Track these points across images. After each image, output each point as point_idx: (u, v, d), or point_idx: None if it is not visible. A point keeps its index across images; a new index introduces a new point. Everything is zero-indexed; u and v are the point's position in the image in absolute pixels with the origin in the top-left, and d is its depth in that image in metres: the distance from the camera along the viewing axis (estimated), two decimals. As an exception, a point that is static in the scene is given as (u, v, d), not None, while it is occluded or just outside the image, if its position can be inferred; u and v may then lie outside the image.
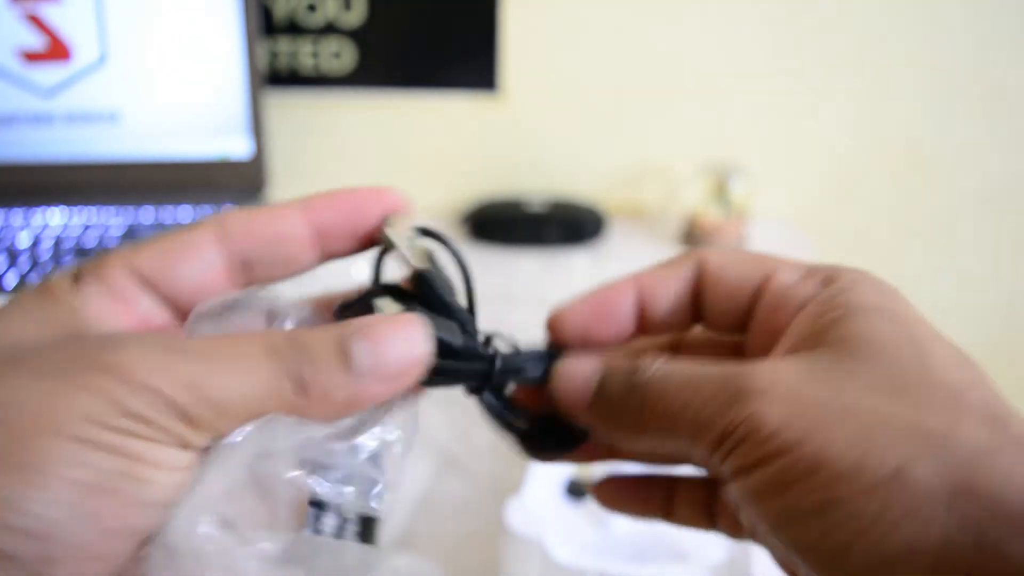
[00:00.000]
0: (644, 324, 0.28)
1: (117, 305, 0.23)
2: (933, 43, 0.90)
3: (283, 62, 0.89)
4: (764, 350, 0.26)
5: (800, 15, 0.88)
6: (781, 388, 0.22)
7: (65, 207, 0.80)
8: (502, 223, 0.89)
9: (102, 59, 0.80)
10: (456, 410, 0.62)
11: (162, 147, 0.83)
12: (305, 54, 0.89)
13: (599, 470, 0.54)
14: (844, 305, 0.24)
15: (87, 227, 0.77)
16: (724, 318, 0.28)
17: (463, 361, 0.26)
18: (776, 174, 0.95)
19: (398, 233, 0.26)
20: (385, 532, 0.54)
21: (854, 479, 0.20)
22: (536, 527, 0.45)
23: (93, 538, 0.19)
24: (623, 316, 0.28)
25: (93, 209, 0.80)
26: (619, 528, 0.48)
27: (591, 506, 0.51)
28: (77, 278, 0.23)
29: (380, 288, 0.26)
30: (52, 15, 0.78)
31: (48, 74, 0.80)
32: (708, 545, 0.45)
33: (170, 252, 0.24)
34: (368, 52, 0.89)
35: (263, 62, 0.87)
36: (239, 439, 0.21)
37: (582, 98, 0.92)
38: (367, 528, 0.24)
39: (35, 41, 0.79)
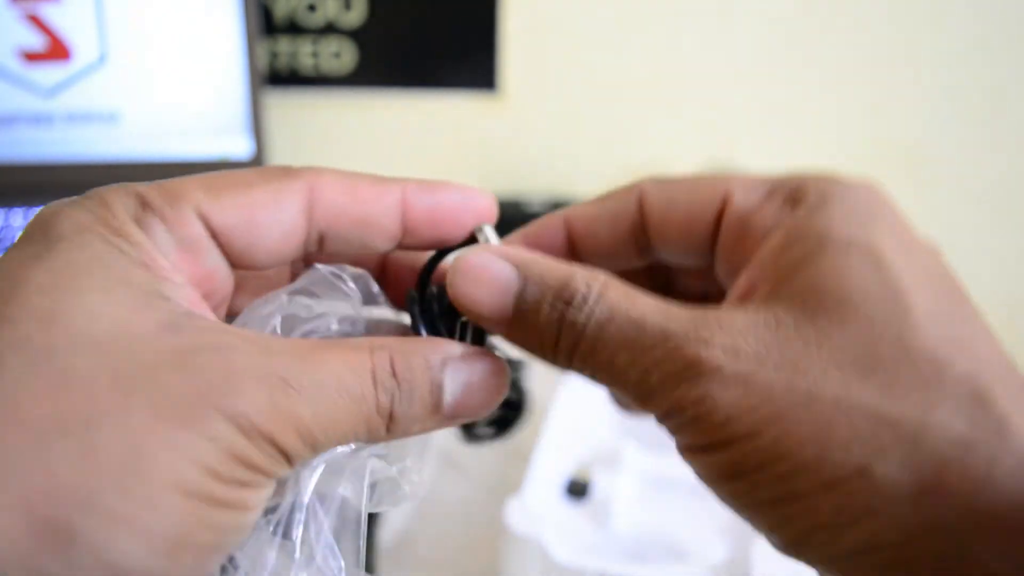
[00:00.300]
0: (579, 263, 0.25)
1: (184, 255, 0.21)
2: (933, 43, 0.90)
3: (283, 62, 0.89)
4: (734, 279, 0.23)
5: (800, 15, 0.88)
6: (739, 367, 0.19)
7: (65, 207, 0.80)
8: (502, 223, 0.89)
9: (102, 59, 0.80)
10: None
11: (162, 147, 0.83)
12: (305, 54, 0.89)
13: (599, 470, 0.54)
14: (814, 236, 0.21)
15: (87, 227, 0.77)
16: (681, 252, 0.25)
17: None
18: (776, 174, 0.95)
19: (487, 240, 0.25)
20: (385, 532, 0.54)
21: (813, 474, 0.18)
22: (536, 527, 0.45)
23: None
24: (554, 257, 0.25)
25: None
26: (619, 528, 0.48)
27: (591, 506, 0.51)
28: (145, 208, 0.20)
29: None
30: (52, 15, 0.78)
31: (48, 74, 0.80)
32: (708, 545, 0.45)
33: (250, 207, 0.22)
34: (368, 52, 0.89)
35: (263, 62, 0.87)
36: (336, 466, 0.21)
37: (582, 98, 0.92)
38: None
39: (35, 41, 0.79)
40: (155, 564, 0.17)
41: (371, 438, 0.21)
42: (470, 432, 0.27)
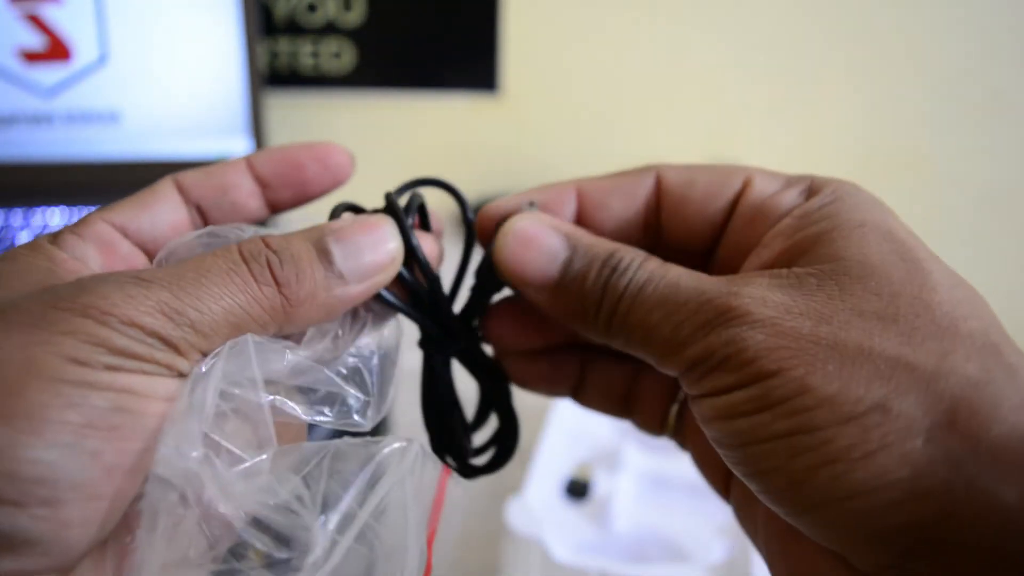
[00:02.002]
0: None
1: (99, 249, 0.24)
2: (933, 44, 0.90)
3: (283, 62, 0.89)
4: (736, 265, 0.25)
5: (800, 15, 0.88)
6: (767, 312, 0.21)
7: (65, 207, 0.80)
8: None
9: (102, 59, 0.80)
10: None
11: (162, 147, 0.83)
12: (305, 54, 0.89)
13: (599, 470, 0.54)
14: (830, 217, 0.23)
15: (87, 227, 0.77)
16: (691, 236, 0.26)
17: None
18: (776, 174, 0.95)
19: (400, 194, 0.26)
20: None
21: (833, 408, 0.19)
22: (536, 527, 0.45)
23: (96, 476, 0.19)
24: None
25: (93, 209, 0.80)
26: (619, 528, 0.48)
27: (591, 506, 0.51)
28: (58, 235, 0.24)
29: (346, 206, 0.27)
30: (52, 15, 0.78)
31: (48, 74, 0.80)
32: (708, 545, 0.45)
33: (138, 204, 0.26)
34: (368, 52, 0.89)
35: (263, 62, 0.87)
36: (207, 368, 0.21)
37: (582, 98, 0.92)
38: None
39: (35, 41, 0.79)
40: (22, 442, 0.18)
41: (274, 315, 0.22)
42: (465, 465, 0.27)
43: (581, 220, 0.27)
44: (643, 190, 0.26)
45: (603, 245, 0.24)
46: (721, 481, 0.28)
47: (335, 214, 0.26)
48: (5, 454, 0.18)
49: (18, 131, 0.81)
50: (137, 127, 0.82)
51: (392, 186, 0.27)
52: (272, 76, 0.90)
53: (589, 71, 0.91)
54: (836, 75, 0.91)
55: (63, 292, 0.20)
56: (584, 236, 0.25)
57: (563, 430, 0.54)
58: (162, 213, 0.26)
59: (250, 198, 0.27)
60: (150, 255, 0.25)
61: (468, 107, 0.92)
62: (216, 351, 0.21)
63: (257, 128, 0.83)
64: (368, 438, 0.22)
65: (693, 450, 0.29)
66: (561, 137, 0.94)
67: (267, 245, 0.22)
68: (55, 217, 0.78)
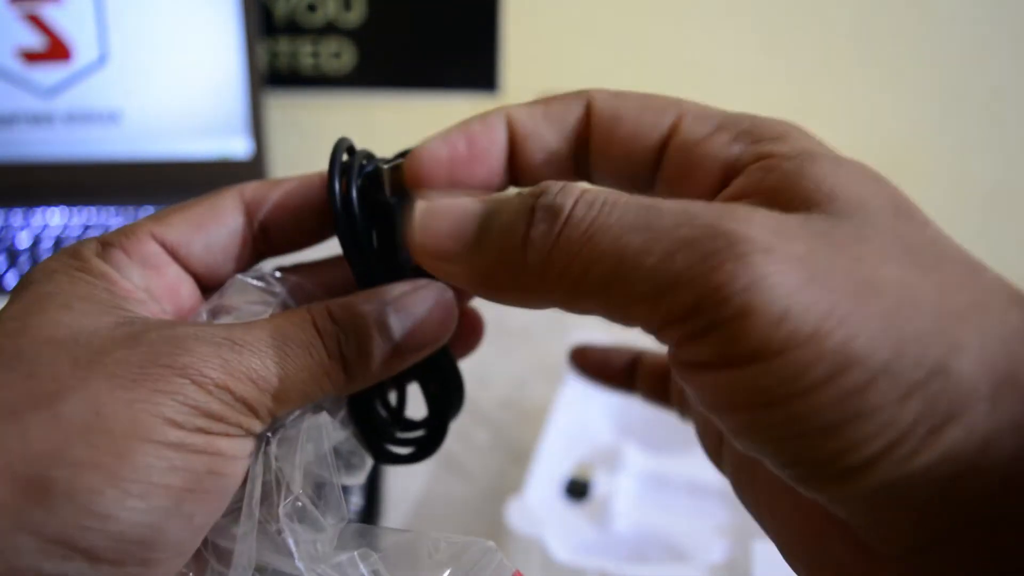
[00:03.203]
0: (517, 172, 0.23)
1: (148, 272, 0.23)
2: (932, 43, 0.90)
3: (283, 62, 0.89)
4: None
5: (799, 15, 0.88)
6: (786, 249, 0.16)
7: (65, 207, 0.80)
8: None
9: (102, 59, 0.80)
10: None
11: (162, 147, 0.83)
12: (305, 54, 0.89)
13: (599, 470, 0.54)
14: (798, 155, 0.19)
15: (87, 227, 0.77)
16: (620, 172, 0.22)
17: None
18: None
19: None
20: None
21: (891, 380, 0.15)
22: (536, 527, 0.45)
23: (188, 537, 0.20)
24: (494, 159, 0.22)
25: (93, 209, 0.80)
26: (619, 528, 0.48)
27: (591, 506, 0.51)
28: (105, 246, 0.23)
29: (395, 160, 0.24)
30: (52, 15, 0.78)
31: (48, 74, 0.80)
32: (708, 545, 0.45)
33: (194, 221, 0.24)
34: (368, 52, 0.89)
35: (263, 62, 0.87)
36: (288, 440, 0.22)
37: (582, 98, 0.92)
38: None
39: (35, 41, 0.79)
40: (129, 505, 0.19)
41: (336, 386, 0.22)
42: (382, 450, 0.26)
43: (512, 152, 0.23)
44: (572, 118, 0.22)
45: (523, 191, 0.19)
46: (715, 449, 0.25)
47: (394, 169, 0.23)
48: (112, 515, 0.18)
49: (18, 131, 0.82)
50: (137, 127, 0.82)
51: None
52: (272, 76, 0.90)
53: (589, 71, 0.91)
54: (836, 75, 0.91)
55: (161, 347, 0.20)
56: (499, 194, 0.20)
57: (563, 430, 0.54)
58: (218, 236, 0.24)
59: (318, 219, 0.26)
60: (198, 278, 0.25)
61: (468, 107, 0.92)
62: (289, 419, 0.23)
63: (257, 128, 0.83)
64: (447, 535, 0.22)
65: (693, 416, 0.26)
66: (561, 137, 0.94)
67: (333, 318, 0.22)
68: (55, 217, 0.78)
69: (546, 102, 0.23)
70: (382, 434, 0.26)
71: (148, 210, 0.79)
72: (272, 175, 0.88)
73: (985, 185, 0.98)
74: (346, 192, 0.23)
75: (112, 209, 0.79)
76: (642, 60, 0.90)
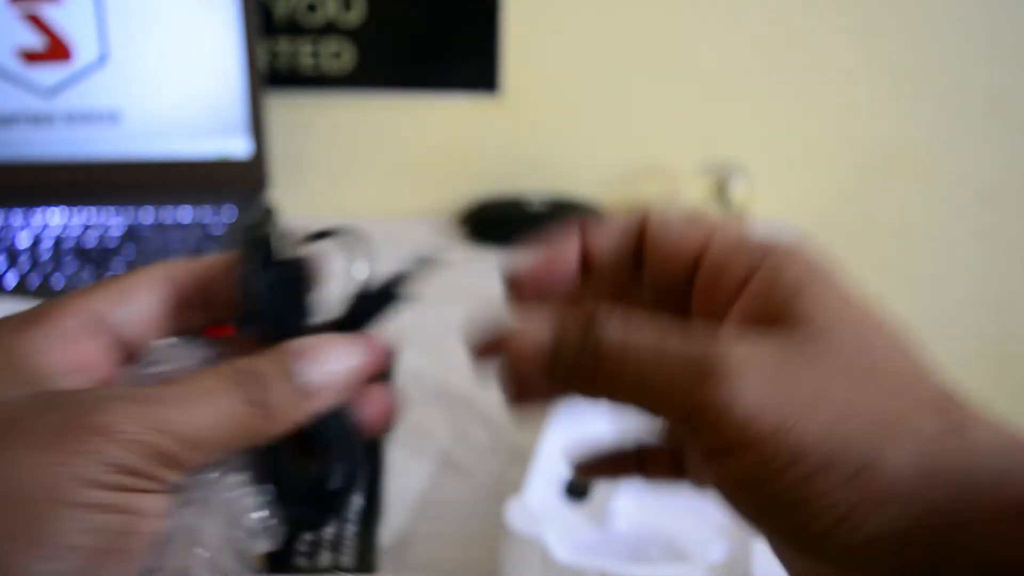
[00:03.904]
0: (588, 276, 0.28)
1: (69, 345, 0.24)
2: (933, 43, 0.90)
3: (283, 62, 0.89)
4: (708, 313, 0.26)
5: (800, 15, 0.88)
6: (754, 370, 0.21)
7: (65, 207, 0.80)
8: (502, 223, 0.89)
9: (102, 59, 0.80)
10: (456, 410, 0.62)
11: (162, 147, 0.83)
12: (305, 54, 0.89)
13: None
14: (796, 281, 0.24)
15: (87, 227, 0.77)
16: (664, 280, 0.27)
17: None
18: (776, 174, 0.95)
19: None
20: (386, 532, 0.54)
21: (832, 471, 0.20)
22: (536, 527, 0.45)
23: None
24: (572, 272, 0.28)
25: (93, 209, 0.80)
26: (619, 528, 0.48)
27: (591, 506, 0.51)
28: (26, 322, 0.24)
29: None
30: (52, 15, 0.78)
31: (48, 74, 0.80)
32: (708, 544, 0.45)
33: (118, 294, 0.26)
34: (368, 52, 0.89)
35: (263, 62, 0.87)
36: (201, 496, 0.23)
37: (582, 98, 0.92)
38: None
39: (35, 41, 0.79)
40: (41, 569, 0.19)
41: (253, 433, 0.24)
42: (285, 513, 0.26)
43: (584, 260, 0.28)
44: (633, 230, 0.28)
45: (578, 311, 0.25)
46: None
47: (305, 240, 0.27)
48: None
49: (18, 131, 0.82)
50: (137, 127, 0.82)
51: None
52: (272, 76, 0.90)
53: (589, 71, 0.91)
54: (836, 75, 0.91)
55: (73, 407, 0.21)
56: (565, 316, 0.25)
57: (563, 430, 0.54)
58: (141, 309, 0.26)
59: (229, 295, 0.27)
60: (122, 349, 0.26)
61: (468, 107, 0.92)
62: (208, 478, 0.24)
63: (257, 128, 0.83)
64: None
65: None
66: (561, 137, 0.94)
67: (244, 368, 0.24)
68: (55, 217, 0.78)
69: (613, 221, 0.28)
70: (286, 496, 0.26)
71: (148, 210, 0.79)
72: (272, 175, 0.88)
73: (985, 185, 0.98)
74: (253, 271, 0.26)
75: (112, 209, 0.79)
76: (642, 60, 0.90)
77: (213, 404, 0.23)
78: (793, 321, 0.23)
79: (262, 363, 0.24)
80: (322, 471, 0.27)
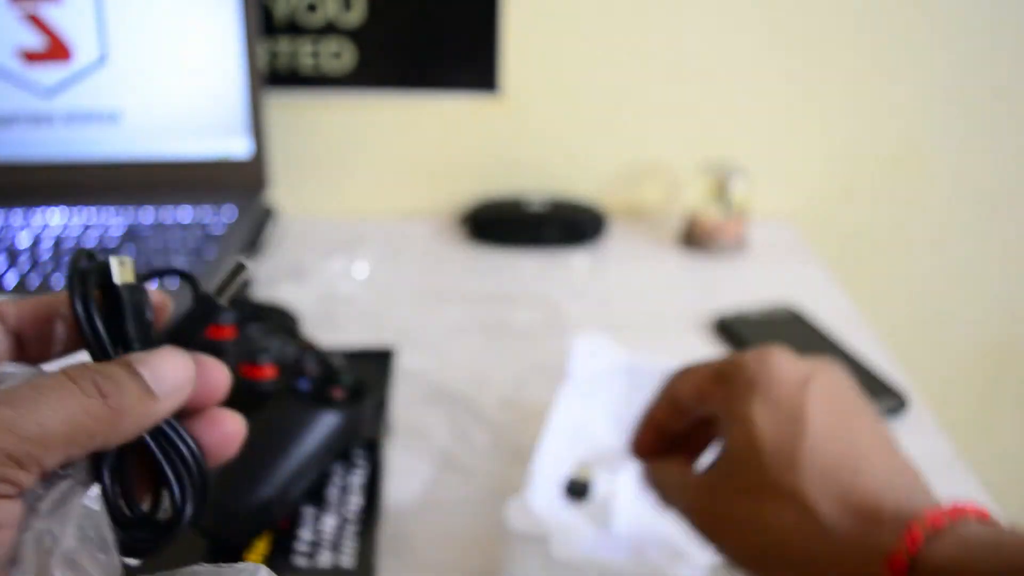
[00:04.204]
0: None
1: None
2: (933, 43, 0.90)
3: (283, 62, 0.89)
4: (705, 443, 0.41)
5: (800, 15, 0.88)
6: (697, 499, 0.37)
7: (65, 207, 0.80)
8: (502, 223, 0.89)
9: (102, 59, 0.80)
10: (456, 410, 0.62)
11: (162, 147, 0.83)
12: (305, 54, 0.89)
13: (599, 470, 0.54)
14: (741, 415, 0.35)
15: (87, 227, 0.77)
16: (683, 425, 0.41)
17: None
18: (776, 174, 0.95)
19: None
20: (385, 532, 0.54)
21: (732, 555, 0.35)
22: (536, 527, 0.45)
23: None
24: (657, 434, 0.42)
25: (93, 209, 0.80)
26: (619, 528, 0.48)
27: (591, 506, 0.51)
28: None
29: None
30: (52, 15, 0.78)
31: (48, 74, 0.80)
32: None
33: None
34: (368, 52, 0.89)
35: (263, 62, 0.87)
36: (62, 495, 0.23)
37: (582, 98, 0.92)
38: None
39: (35, 41, 0.79)
40: None
41: (101, 426, 0.24)
42: (124, 545, 0.26)
43: (658, 433, 0.42)
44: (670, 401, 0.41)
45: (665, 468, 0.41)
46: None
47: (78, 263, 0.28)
48: None
49: (18, 131, 0.82)
50: (137, 127, 0.82)
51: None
52: (272, 76, 0.90)
53: (589, 71, 0.91)
54: (836, 75, 0.91)
55: None
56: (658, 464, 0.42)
57: (563, 430, 0.54)
58: None
59: (69, 329, 0.28)
60: None
61: (468, 107, 0.92)
62: (59, 487, 0.24)
63: (257, 128, 0.83)
64: (221, 564, 0.26)
65: None
66: (561, 137, 0.94)
67: (87, 366, 0.25)
68: (55, 217, 0.78)
69: (661, 398, 0.41)
70: (118, 522, 0.26)
71: (148, 210, 0.79)
72: (272, 175, 0.88)
73: (985, 185, 0.98)
74: (85, 296, 0.27)
75: (112, 209, 0.79)
76: (642, 60, 0.90)
77: (61, 399, 0.23)
78: (725, 450, 0.36)
79: (109, 364, 0.25)
80: (153, 501, 0.27)
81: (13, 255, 0.73)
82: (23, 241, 0.75)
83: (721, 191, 0.87)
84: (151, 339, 0.28)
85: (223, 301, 0.29)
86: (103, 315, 0.27)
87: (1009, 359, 1.08)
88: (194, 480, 0.27)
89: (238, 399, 0.52)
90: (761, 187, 0.92)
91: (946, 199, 0.98)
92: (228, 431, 0.29)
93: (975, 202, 0.99)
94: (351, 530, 0.50)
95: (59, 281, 0.70)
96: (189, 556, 0.46)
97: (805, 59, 0.91)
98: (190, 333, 0.29)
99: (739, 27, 0.89)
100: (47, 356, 0.28)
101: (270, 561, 0.47)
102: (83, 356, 0.27)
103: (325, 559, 0.48)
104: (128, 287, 0.27)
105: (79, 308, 0.26)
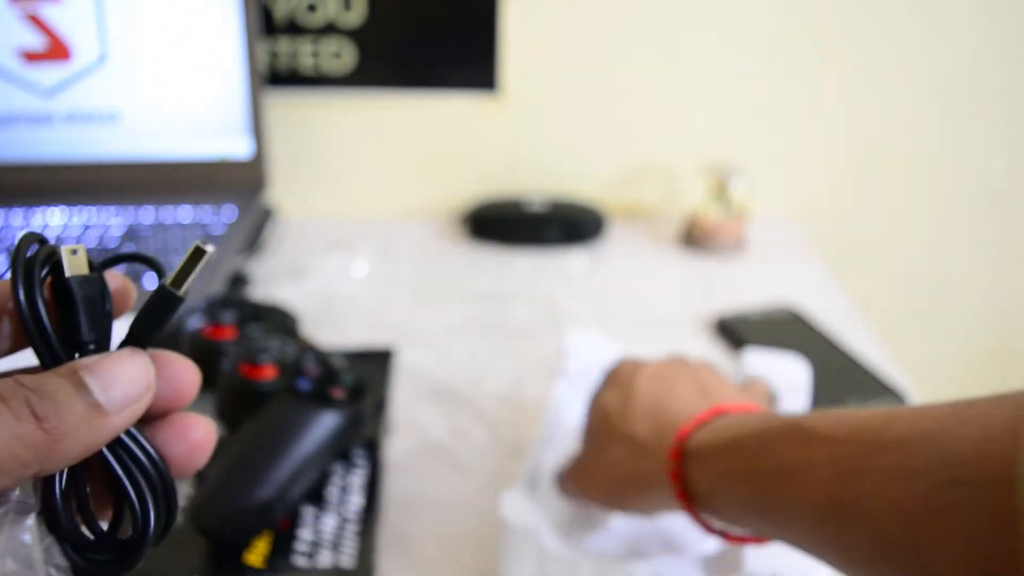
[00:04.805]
0: None
1: None
2: (934, 43, 0.90)
3: (283, 62, 0.89)
4: None
5: (800, 15, 0.88)
6: (571, 474, 0.47)
7: (65, 207, 0.80)
8: (502, 223, 0.89)
9: (102, 59, 0.80)
10: (456, 409, 0.62)
11: (162, 147, 0.83)
12: (305, 54, 0.89)
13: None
14: (591, 411, 0.47)
15: (87, 227, 0.77)
16: None
17: None
18: (776, 174, 0.95)
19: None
20: (384, 528, 0.54)
21: (594, 497, 0.44)
22: (530, 519, 0.45)
23: None
24: None
25: (93, 209, 0.80)
26: (613, 521, 0.48)
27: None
28: None
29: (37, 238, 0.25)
30: (52, 15, 0.78)
31: (48, 74, 0.80)
32: (701, 537, 0.45)
33: None
34: (368, 52, 0.89)
35: (263, 62, 0.87)
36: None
37: (582, 98, 0.92)
38: None
39: (35, 41, 0.79)
40: None
41: (38, 452, 0.21)
42: (76, 563, 0.24)
43: None
44: None
45: None
46: None
47: (23, 244, 0.24)
48: None
49: (18, 131, 0.82)
50: (137, 127, 0.82)
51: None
52: (272, 76, 0.90)
53: (589, 71, 0.91)
54: (836, 75, 0.91)
55: None
56: None
57: (558, 423, 0.54)
58: None
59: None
60: None
61: (468, 107, 0.92)
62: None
63: (257, 128, 0.83)
64: None
65: None
66: (561, 137, 0.94)
67: (21, 384, 0.21)
68: (55, 217, 0.78)
69: None
70: (77, 545, 0.24)
71: (148, 210, 0.79)
72: (272, 175, 0.88)
73: (985, 185, 0.98)
74: (30, 291, 0.23)
75: (112, 209, 0.80)
76: (641, 60, 0.90)
77: None
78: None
79: (49, 377, 0.22)
80: (114, 518, 0.25)
81: (13, 255, 0.73)
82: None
83: (721, 191, 0.87)
84: (109, 334, 0.25)
85: (182, 292, 0.25)
86: (53, 311, 0.24)
87: (1008, 359, 1.08)
88: (157, 494, 0.25)
89: (238, 399, 0.52)
90: (761, 187, 0.92)
91: (946, 199, 0.98)
92: (196, 439, 0.26)
93: (975, 202, 0.99)
94: (351, 530, 0.50)
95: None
96: (190, 556, 0.46)
97: (805, 59, 0.91)
98: (149, 329, 0.25)
99: (739, 27, 0.89)
100: None
101: (270, 561, 0.47)
102: (30, 356, 0.24)
103: (325, 559, 0.48)
104: (80, 279, 0.24)
105: (24, 305, 0.23)
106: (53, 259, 0.24)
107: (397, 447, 0.58)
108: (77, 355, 0.24)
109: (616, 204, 0.96)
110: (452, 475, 0.57)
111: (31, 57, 0.79)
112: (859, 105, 0.93)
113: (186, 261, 0.25)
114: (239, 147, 0.83)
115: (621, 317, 0.76)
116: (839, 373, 0.65)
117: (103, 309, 0.25)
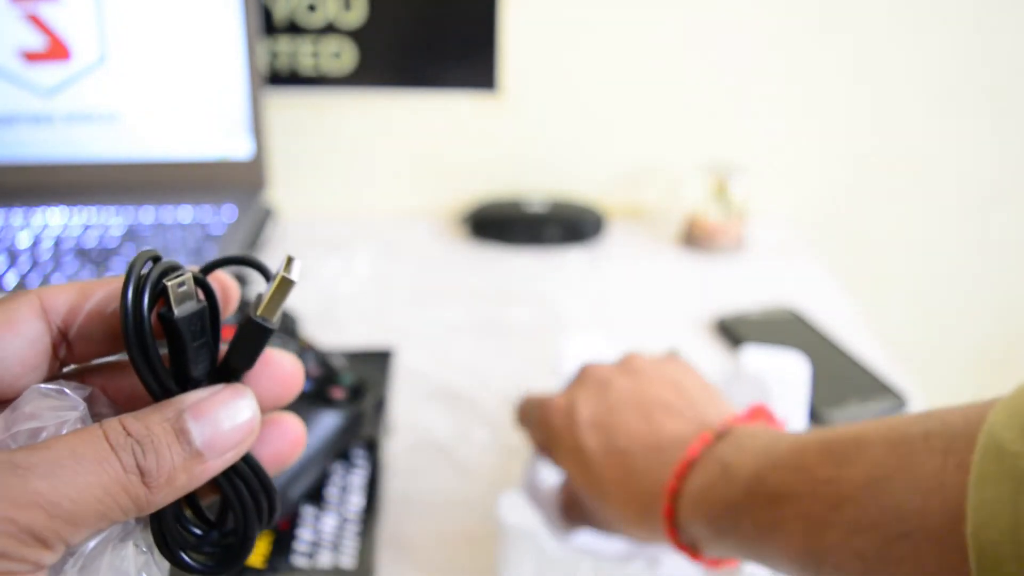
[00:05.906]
0: None
1: None
2: (933, 43, 0.90)
3: (283, 62, 0.89)
4: None
5: (800, 15, 0.88)
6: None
7: (65, 207, 0.80)
8: (502, 223, 0.89)
9: (102, 59, 0.80)
10: (456, 409, 0.62)
11: (162, 147, 0.83)
12: (305, 54, 0.89)
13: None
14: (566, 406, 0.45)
15: (87, 227, 0.77)
16: None
17: None
18: (776, 174, 0.95)
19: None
20: (384, 529, 0.54)
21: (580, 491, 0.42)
22: (529, 520, 0.45)
23: None
24: None
25: (93, 209, 0.80)
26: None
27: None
28: None
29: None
30: (52, 15, 0.78)
31: (48, 74, 0.80)
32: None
33: None
34: (368, 52, 0.89)
35: (263, 62, 0.87)
36: (95, 563, 0.21)
37: (582, 98, 0.92)
38: None
39: (35, 41, 0.79)
40: None
41: (137, 502, 0.21)
42: (179, 559, 0.24)
43: None
44: None
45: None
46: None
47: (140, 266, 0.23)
48: None
49: (18, 131, 0.82)
50: (137, 127, 0.82)
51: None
52: (272, 76, 0.90)
53: (589, 71, 0.91)
54: (836, 75, 0.91)
55: None
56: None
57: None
58: (13, 347, 0.22)
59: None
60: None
61: (468, 107, 0.92)
62: (91, 545, 0.21)
63: (257, 128, 0.83)
64: None
65: None
66: (561, 137, 0.94)
67: (128, 431, 0.21)
68: (55, 217, 0.78)
69: None
70: (182, 543, 0.24)
71: (148, 210, 0.79)
72: (272, 175, 0.88)
73: (984, 185, 0.98)
74: (138, 308, 0.22)
75: (112, 209, 0.80)
76: (641, 60, 0.90)
77: (89, 473, 0.20)
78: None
79: (154, 424, 0.22)
80: (217, 523, 0.25)
81: (13, 255, 0.73)
82: (23, 241, 0.75)
83: (721, 191, 0.87)
84: (215, 359, 0.24)
85: (274, 322, 0.24)
86: (159, 342, 0.23)
87: (1008, 359, 1.08)
88: (260, 504, 0.25)
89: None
90: (761, 187, 0.92)
91: (946, 199, 0.98)
92: (292, 438, 0.26)
93: (974, 202, 0.99)
94: (351, 530, 0.50)
95: (59, 282, 0.70)
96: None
97: (805, 60, 0.91)
98: (244, 360, 0.25)
99: (739, 27, 0.89)
100: (89, 356, 0.24)
101: (270, 561, 0.47)
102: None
103: (325, 559, 0.48)
104: (187, 318, 0.23)
105: (133, 339, 0.22)
106: (161, 286, 0.23)
107: (397, 447, 0.58)
108: (181, 387, 0.23)
109: (616, 204, 0.96)
110: (452, 475, 0.57)
111: (31, 57, 0.79)
112: (859, 105, 0.93)
113: (274, 291, 0.24)
114: (239, 147, 0.83)
115: (621, 317, 0.76)
116: (839, 373, 0.65)
117: (211, 336, 0.24)
